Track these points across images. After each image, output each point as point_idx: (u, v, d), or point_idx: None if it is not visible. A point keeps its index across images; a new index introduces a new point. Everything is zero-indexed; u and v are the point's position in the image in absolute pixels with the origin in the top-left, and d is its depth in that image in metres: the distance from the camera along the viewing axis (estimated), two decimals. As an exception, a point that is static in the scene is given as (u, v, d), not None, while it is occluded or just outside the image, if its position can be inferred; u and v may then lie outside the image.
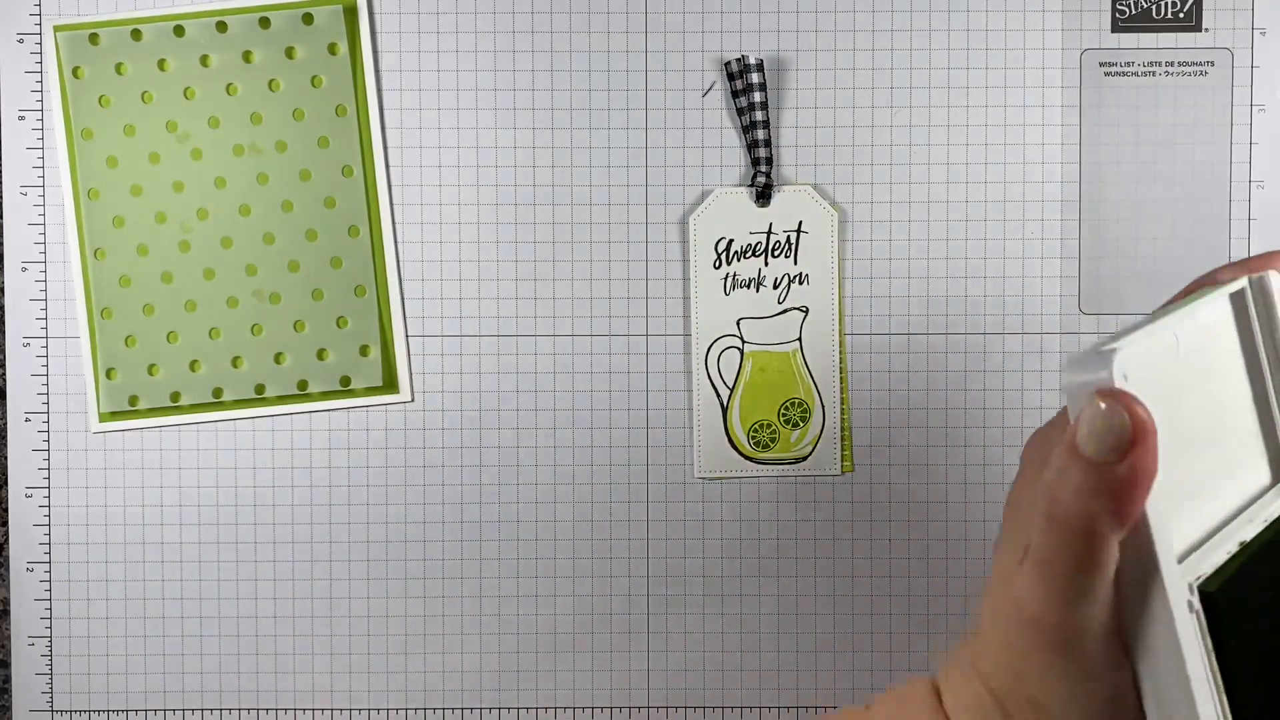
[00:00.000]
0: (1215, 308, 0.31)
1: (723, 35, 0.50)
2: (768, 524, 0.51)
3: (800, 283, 0.50)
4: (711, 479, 0.51)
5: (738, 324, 0.50)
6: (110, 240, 0.50)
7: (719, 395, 0.50)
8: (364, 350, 0.50)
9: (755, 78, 0.48)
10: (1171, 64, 0.50)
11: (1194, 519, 0.29)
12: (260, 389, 0.50)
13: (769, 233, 0.50)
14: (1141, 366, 0.27)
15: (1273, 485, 0.32)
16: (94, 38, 0.49)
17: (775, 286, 0.50)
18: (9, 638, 0.51)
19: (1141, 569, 0.27)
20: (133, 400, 0.50)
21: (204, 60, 0.50)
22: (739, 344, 0.50)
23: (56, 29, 0.49)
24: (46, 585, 0.51)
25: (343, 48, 0.50)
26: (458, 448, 0.51)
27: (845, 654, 0.51)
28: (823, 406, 0.50)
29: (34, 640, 0.51)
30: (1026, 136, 0.50)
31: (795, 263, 0.50)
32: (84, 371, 0.50)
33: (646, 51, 0.50)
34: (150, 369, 0.50)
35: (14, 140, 0.50)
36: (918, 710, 0.33)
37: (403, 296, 0.50)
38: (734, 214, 0.50)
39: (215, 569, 0.51)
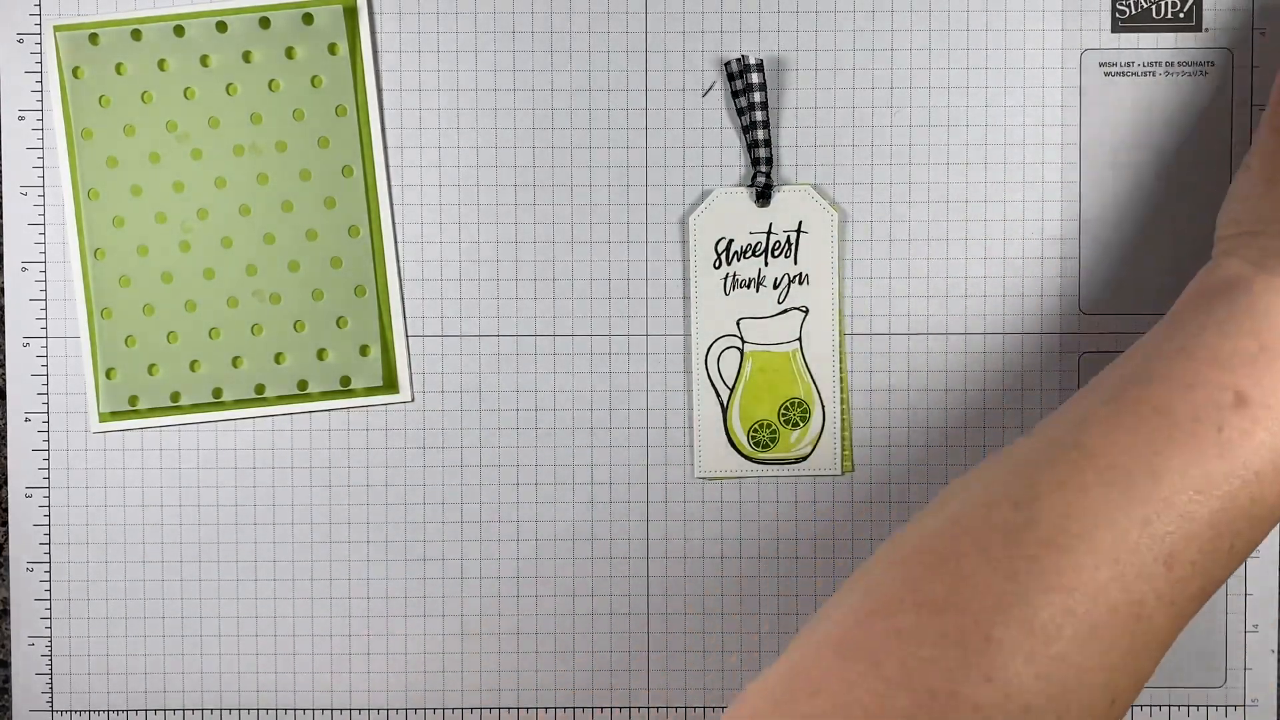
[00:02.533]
0: None
1: (723, 35, 0.50)
2: (768, 524, 0.51)
3: (800, 283, 0.50)
4: (711, 479, 0.51)
5: (738, 324, 0.50)
6: (110, 240, 0.50)
7: (719, 395, 0.50)
8: (364, 350, 0.50)
9: (755, 78, 0.49)
10: (1171, 64, 0.50)
11: None
12: (260, 389, 0.50)
13: (769, 233, 0.50)
14: None
15: None
16: (94, 38, 0.49)
17: (775, 286, 0.50)
18: (9, 638, 0.51)
19: None
20: (133, 400, 0.50)
21: (204, 60, 0.50)
22: (739, 344, 0.50)
23: (56, 29, 0.49)
24: (46, 585, 0.51)
25: (343, 48, 0.50)
26: (458, 448, 0.51)
27: (845, 654, 0.51)
28: (823, 406, 0.50)
29: (34, 640, 0.51)
30: (1026, 136, 0.50)
31: (795, 263, 0.50)
32: (84, 371, 0.50)
33: (646, 51, 0.50)
34: (150, 369, 0.50)
35: (14, 140, 0.50)
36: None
37: (403, 296, 0.50)
38: (734, 214, 0.50)
39: (215, 569, 0.51)
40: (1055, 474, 0.37)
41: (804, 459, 0.51)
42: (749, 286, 0.50)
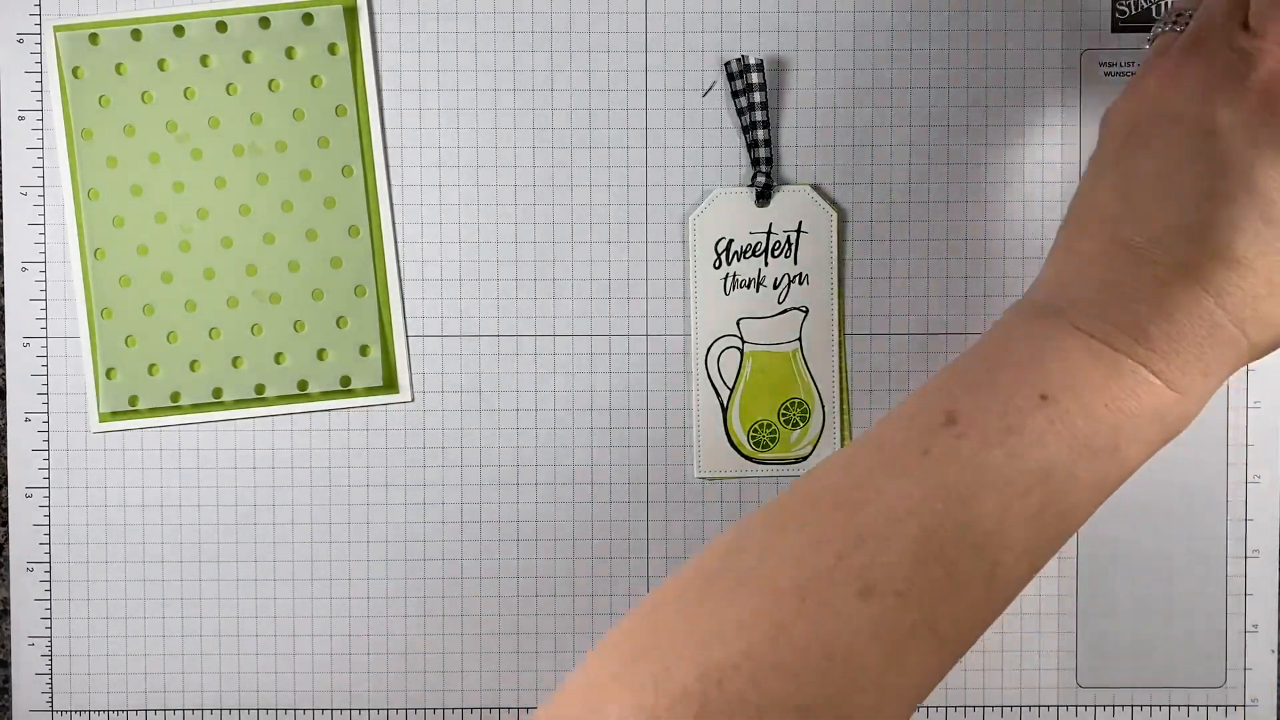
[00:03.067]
0: None
1: (723, 35, 0.50)
2: (768, 524, 0.51)
3: (800, 283, 0.50)
4: (711, 479, 0.51)
5: (738, 324, 0.50)
6: (110, 240, 0.50)
7: (719, 395, 0.50)
8: (364, 350, 0.50)
9: (755, 78, 0.49)
10: (1171, 64, 0.50)
11: None
12: (260, 389, 0.50)
13: (769, 233, 0.50)
14: None
15: None
16: (94, 38, 0.49)
17: (775, 286, 0.50)
18: (9, 638, 0.51)
19: None
20: (133, 400, 0.50)
21: (204, 60, 0.50)
22: (739, 344, 0.50)
23: (56, 29, 0.49)
24: (46, 585, 0.51)
25: (343, 48, 0.50)
26: (458, 448, 0.51)
27: (845, 654, 0.51)
28: (823, 406, 0.50)
29: (34, 640, 0.51)
30: (1027, 136, 0.50)
31: (795, 263, 0.50)
32: (84, 371, 0.50)
33: (646, 51, 0.50)
34: (150, 369, 0.50)
35: (14, 140, 0.50)
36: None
37: (403, 296, 0.50)
38: (734, 214, 0.50)
39: (215, 569, 0.51)
40: (764, 518, 0.37)
41: (804, 459, 0.51)
42: (749, 286, 0.50)
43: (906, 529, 0.34)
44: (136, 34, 0.49)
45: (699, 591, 0.36)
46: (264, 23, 0.49)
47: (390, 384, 0.51)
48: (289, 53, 0.50)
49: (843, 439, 0.51)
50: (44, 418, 0.50)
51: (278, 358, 0.50)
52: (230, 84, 0.50)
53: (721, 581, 0.36)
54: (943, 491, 0.35)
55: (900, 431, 0.37)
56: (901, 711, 0.35)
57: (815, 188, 0.50)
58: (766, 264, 0.50)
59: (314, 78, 0.50)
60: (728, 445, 0.51)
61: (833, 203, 0.50)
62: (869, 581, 0.34)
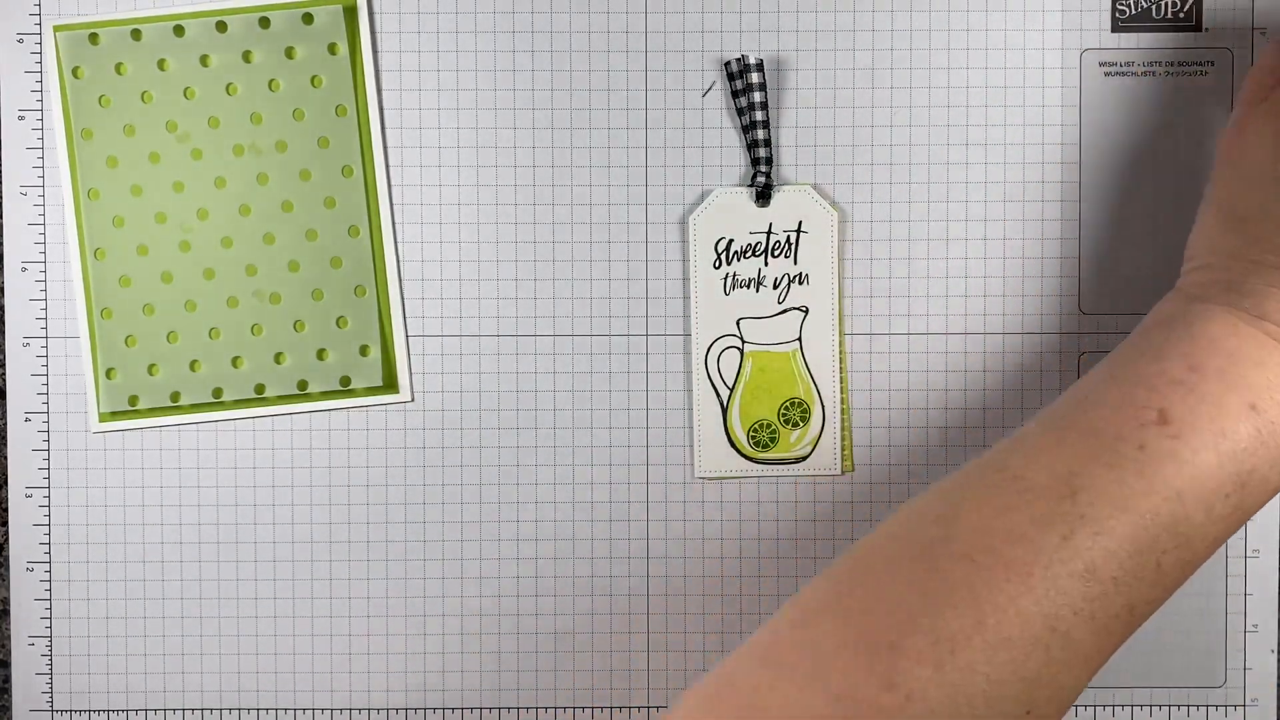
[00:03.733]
0: None
1: (723, 35, 0.50)
2: (768, 524, 0.51)
3: (800, 283, 0.50)
4: (711, 479, 0.51)
5: (738, 324, 0.50)
6: (110, 240, 0.50)
7: (719, 395, 0.50)
8: (364, 350, 0.50)
9: (755, 78, 0.49)
10: (1171, 64, 0.50)
11: None
12: (260, 389, 0.50)
13: (769, 233, 0.50)
14: None
15: None
16: (94, 38, 0.49)
17: (775, 286, 0.50)
18: (9, 638, 0.51)
19: None
20: (133, 400, 0.50)
21: (204, 60, 0.50)
22: (739, 344, 0.50)
23: (56, 29, 0.49)
24: (46, 585, 0.51)
25: (343, 48, 0.50)
26: (458, 448, 0.51)
27: (845, 654, 0.51)
28: (823, 406, 0.50)
29: (34, 640, 0.51)
30: (1026, 136, 0.50)
31: (795, 263, 0.50)
32: (84, 371, 0.50)
33: (646, 51, 0.50)
34: (150, 369, 0.50)
35: (14, 140, 0.50)
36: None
37: (403, 296, 0.50)
38: (734, 214, 0.50)
39: (215, 569, 0.51)
40: (977, 493, 0.38)
41: (804, 459, 0.51)
42: (749, 286, 0.50)
43: (1128, 518, 0.36)
44: (136, 34, 0.49)
45: (915, 558, 0.37)
46: (264, 23, 0.49)
47: (390, 384, 0.51)
48: (289, 53, 0.50)
49: (843, 439, 0.51)
50: (44, 418, 0.50)
51: (278, 358, 0.50)
52: (230, 84, 0.50)
53: (942, 550, 0.37)
54: (1161, 487, 0.36)
55: (1110, 423, 0.38)
56: (1082, 689, 0.37)
57: (815, 188, 0.50)
58: (766, 264, 0.50)
59: (314, 78, 0.50)
60: (728, 445, 0.51)
61: (833, 203, 0.50)
62: (1091, 564, 0.36)
